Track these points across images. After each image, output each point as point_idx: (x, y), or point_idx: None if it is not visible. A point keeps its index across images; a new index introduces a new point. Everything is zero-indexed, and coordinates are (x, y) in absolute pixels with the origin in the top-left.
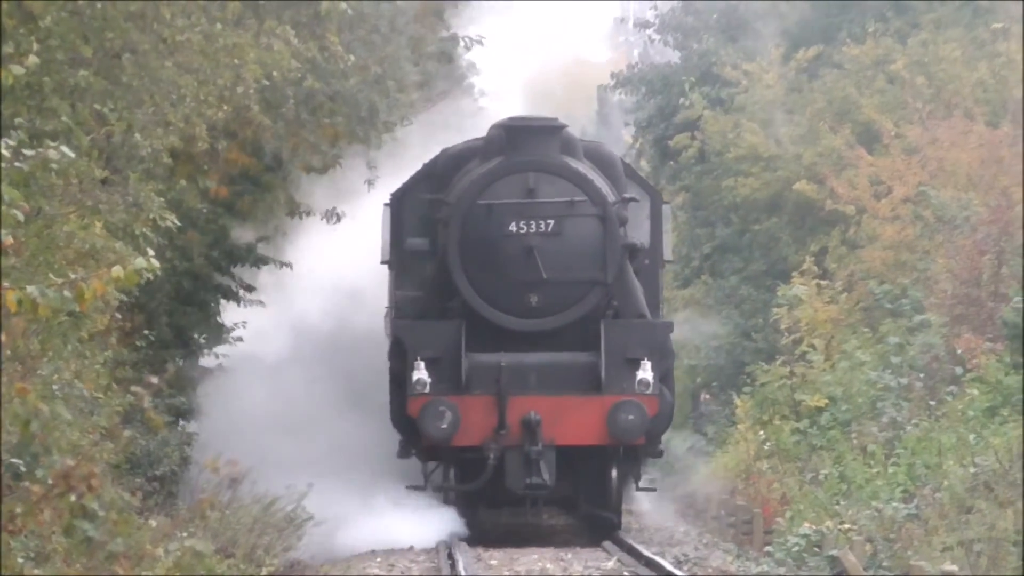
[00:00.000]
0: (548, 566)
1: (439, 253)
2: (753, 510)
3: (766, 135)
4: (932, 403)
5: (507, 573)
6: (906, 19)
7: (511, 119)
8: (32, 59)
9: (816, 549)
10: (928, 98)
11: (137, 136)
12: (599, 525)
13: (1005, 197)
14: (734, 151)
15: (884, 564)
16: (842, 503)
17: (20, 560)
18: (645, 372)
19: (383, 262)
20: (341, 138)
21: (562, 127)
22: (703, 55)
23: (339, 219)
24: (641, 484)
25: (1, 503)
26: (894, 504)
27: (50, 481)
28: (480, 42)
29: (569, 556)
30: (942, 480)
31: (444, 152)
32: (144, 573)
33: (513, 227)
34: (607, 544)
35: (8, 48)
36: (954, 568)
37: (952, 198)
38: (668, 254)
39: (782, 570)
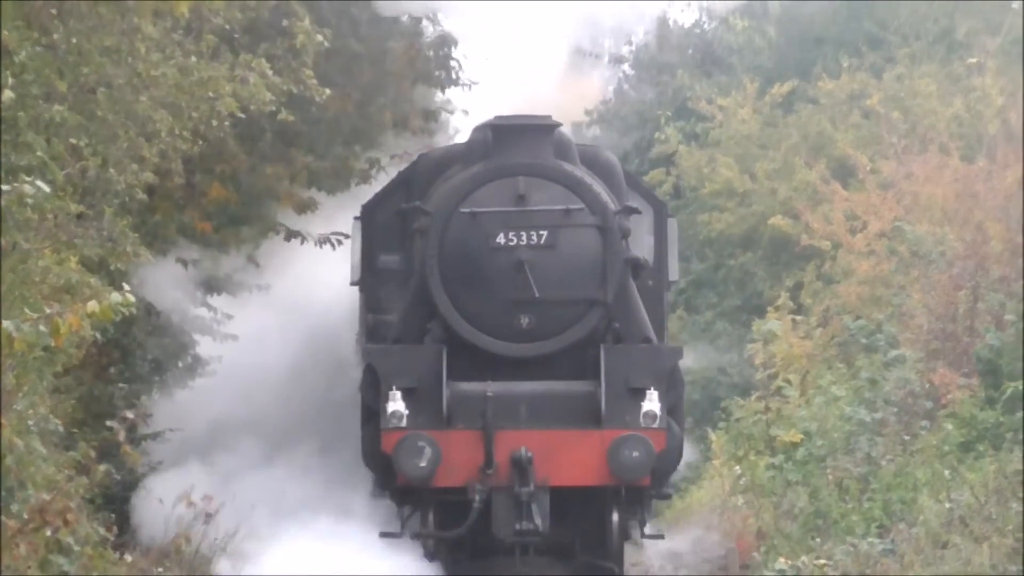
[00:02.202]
0: None
1: (417, 269)
2: (728, 545)
3: (741, 170)
4: (907, 438)
5: None
6: (881, 54)
7: (498, 117)
8: (7, 93)
9: None
10: (903, 133)
11: (112, 171)
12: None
13: (980, 232)
14: (709, 186)
15: None
16: (817, 539)
17: None
18: (651, 403)
19: (353, 283)
20: (315, 180)
21: (556, 126)
22: (678, 90)
23: (333, 246)
24: (647, 531)
25: None
26: (869, 539)
27: (26, 516)
28: (469, 86)
29: None
30: (917, 515)
31: (422, 157)
32: None
33: (501, 238)
34: None
35: None
36: None
37: (927, 233)
38: (674, 273)
39: None
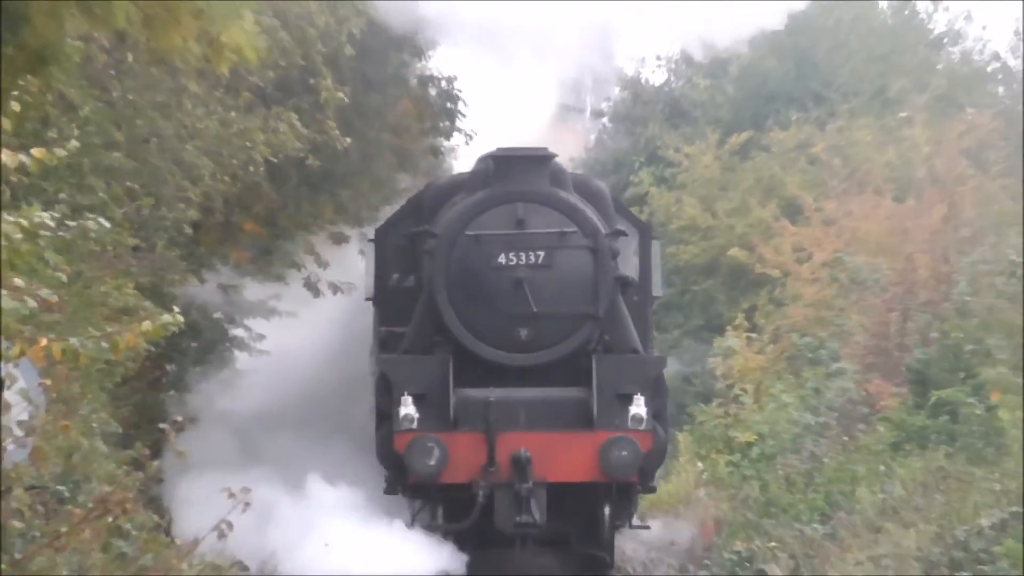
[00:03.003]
0: None
1: (425, 286)
2: (693, 531)
3: (704, 208)
4: (846, 439)
5: None
6: (824, 109)
7: (499, 149)
8: (72, 143)
9: (747, 564)
10: (843, 177)
11: (163, 209)
12: (591, 565)
13: (909, 262)
14: (676, 222)
15: None
16: (769, 524)
17: (64, 571)
18: (638, 408)
19: (367, 299)
20: (337, 215)
21: (551, 157)
22: (649, 139)
23: (342, 291)
24: (634, 522)
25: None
26: (813, 525)
27: (90, 505)
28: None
29: None
30: (855, 505)
31: (430, 185)
32: None
33: (502, 259)
34: None
35: (52, 133)
36: None
37: (864, 263)
38: (658, 289)
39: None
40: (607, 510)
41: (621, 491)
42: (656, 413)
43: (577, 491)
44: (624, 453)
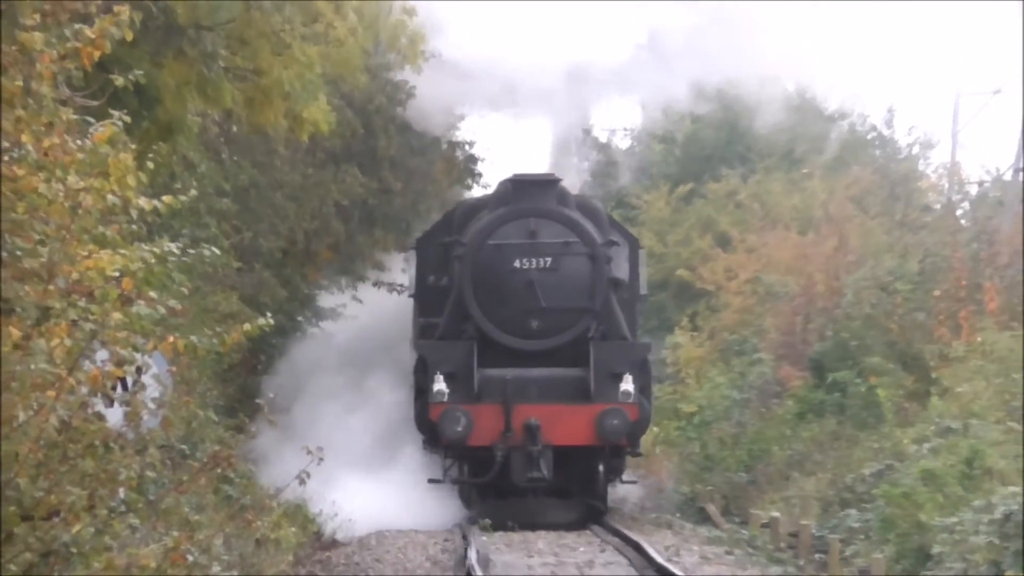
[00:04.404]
0: (542, 545)
1: (455, 286)
2: (651, 479)
3: (658, 240)
4: (763, 410)
5: (505, 544)
6: (747, 167)
7: (516, 175)
8: (192, 192)
9: (691, 502)
10: (761, 217)
11: (259, 240)
12: (589, 512)
13: (810, 280)
14: None
15: (733, 512)
16: (707, 474)
17: (186, 510)
18: (627, 384)
19: (410, 295)
20: (389, 247)
21: (558, 181)
22: (619, 189)
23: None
24: (624, 478)
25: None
26: (739, 474)
27: (205, 459)
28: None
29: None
30: (770, 459)
31: (460, 204)
32: (264, 518)
33: (517, 264)
34: (595, 527)
35: (177, 185)
36: (777, 514)
37: (776, 280)
38: (644, 289)
39: (668, 515)
40: (602, 468)
41: (613, 452)
42: (642, 389)
43: (578, 452)
44: (616, 421)
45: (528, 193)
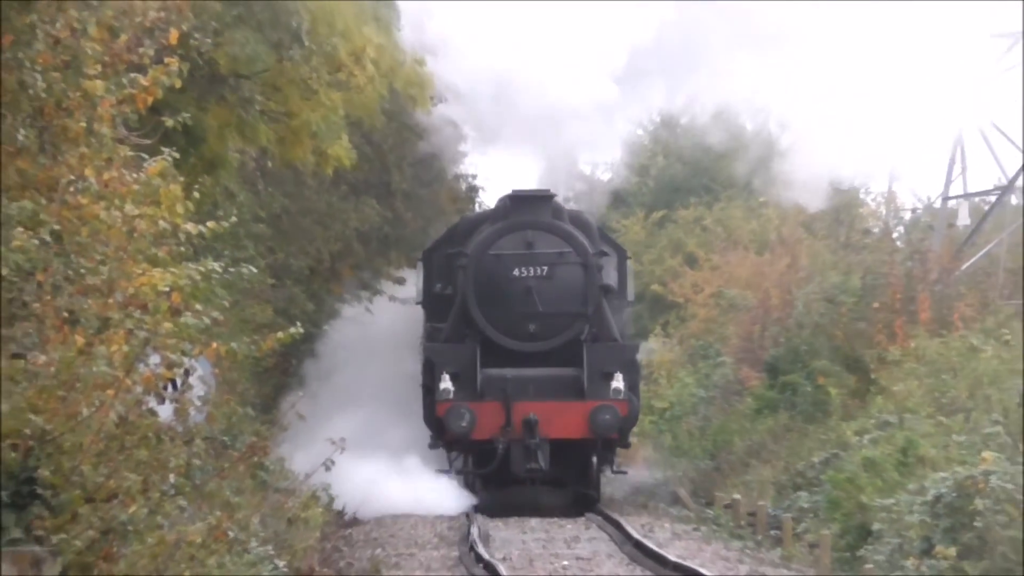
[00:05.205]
0: (534, 523)
1: (459, 293)
2: (630, 466)
3: (636, 260)
4: (726, 407)
5: (503, 524)
6: (712, 195)
7: (515, 191)
8: (232, 218)
9: (664, 486)
10: (723, 239)
11: (290, 260)
12: (582, 500)
13: (766, 294)
14: None
15: (700, 495)
16: (677, 461)
17: (227, 493)
18: (617, 383)
19: (417, 303)
20: (401, 265)
21: (552, 196)
22: (601, 217)
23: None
24: (615, 468)
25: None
26: (706, 461)
27: (243, 449)
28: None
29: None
30: (731, 449)
31: (463, 218)
32: (294, 500)
33: (516, 272)
34: (588, 514)
35: (219, 212)
36: (738, 496)
37: (736, 294)
38: (631, 296)
39: (642, 498)
40: (595, 459)
41: (605, 445)
42: (631, 386)
43: (572, 445)
44: (607, 416)
45: (525, 207)
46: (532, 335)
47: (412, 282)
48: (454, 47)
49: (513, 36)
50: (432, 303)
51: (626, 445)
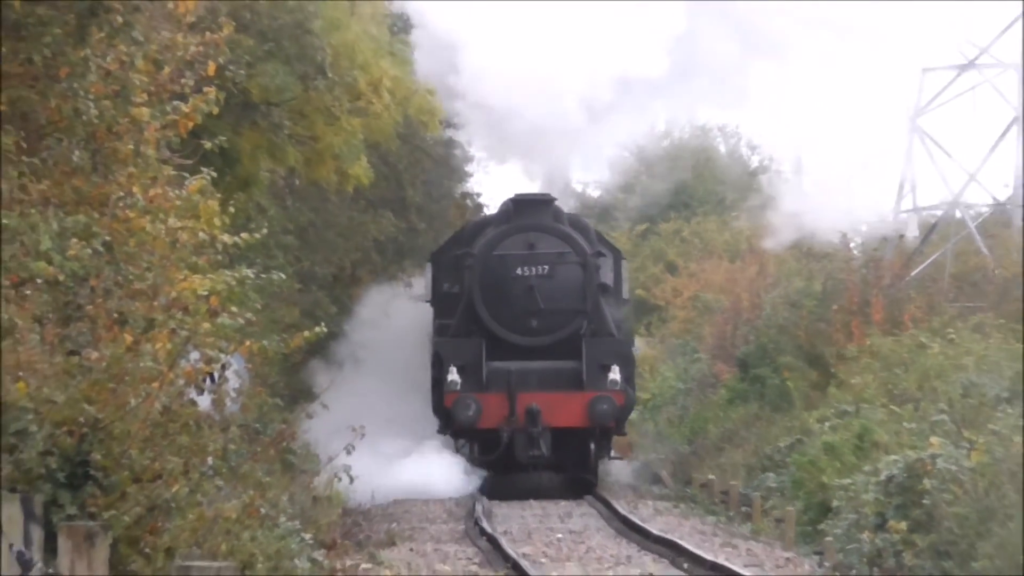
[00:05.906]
0: (532, 501)
1: (466, 291)
2: (617, 452)
3: None
4: (702, 397)
5: (506, 507)
6: (690, 211)
7: (517, 195)
8: (264, 230)
9: (647, 468)
10: (700, 249)
11: (315, 268)
12: (581, 484)
13: (738, 298)
14: None
15: (679, 475)
16: (658, 446)
17: (259, 474)
18: (614, 374)
19: (426, 301)
20: (414, 272)
21: (553, 200)
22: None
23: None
24: (612, 455)
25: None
26: (684, 446)
27: (273, 435)
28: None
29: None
30: (707, 435)
31: (469, 222)
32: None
33: (519, 271)
34: (587, 497)
35: (252, 225)
36: (712, 477)
37: (712, 298)
38: (626, 294)
39: (631, 479)
40: (593, 446)
41: (603, 433)
42: (626, 378)
43: (572, 433)
44: (605, 406)
45: (527, 211)
46: (534, 330)
47: (421, 283)
48: (474, 72)
49: (516, 58)
50: (440, 301)
51: (623, 432)
